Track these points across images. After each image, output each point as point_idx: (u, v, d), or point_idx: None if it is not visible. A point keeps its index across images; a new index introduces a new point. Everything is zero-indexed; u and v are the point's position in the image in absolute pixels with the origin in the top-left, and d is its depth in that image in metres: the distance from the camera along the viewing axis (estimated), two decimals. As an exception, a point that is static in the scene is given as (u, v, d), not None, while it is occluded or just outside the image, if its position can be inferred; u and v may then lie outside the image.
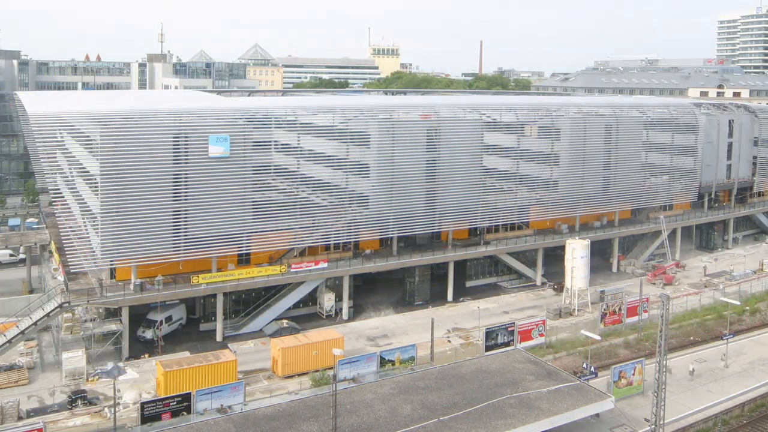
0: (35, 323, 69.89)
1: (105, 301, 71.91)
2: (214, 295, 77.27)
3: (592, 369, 67.70)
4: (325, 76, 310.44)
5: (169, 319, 76.83)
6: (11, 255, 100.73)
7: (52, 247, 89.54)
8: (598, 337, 74.60)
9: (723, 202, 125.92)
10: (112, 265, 72.88)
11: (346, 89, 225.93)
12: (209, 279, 76.50)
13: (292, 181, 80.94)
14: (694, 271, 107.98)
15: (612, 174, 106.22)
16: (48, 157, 70.79)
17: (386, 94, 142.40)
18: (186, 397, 57.81)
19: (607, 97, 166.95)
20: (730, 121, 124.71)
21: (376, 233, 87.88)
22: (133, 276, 74.43)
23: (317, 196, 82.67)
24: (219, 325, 77.60)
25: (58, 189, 71.19)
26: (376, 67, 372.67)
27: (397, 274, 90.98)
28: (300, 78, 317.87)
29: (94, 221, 71.06)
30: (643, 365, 67.09)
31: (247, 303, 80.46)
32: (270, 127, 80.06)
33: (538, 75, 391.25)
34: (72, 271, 71.30)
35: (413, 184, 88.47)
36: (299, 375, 67.30)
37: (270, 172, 79.65)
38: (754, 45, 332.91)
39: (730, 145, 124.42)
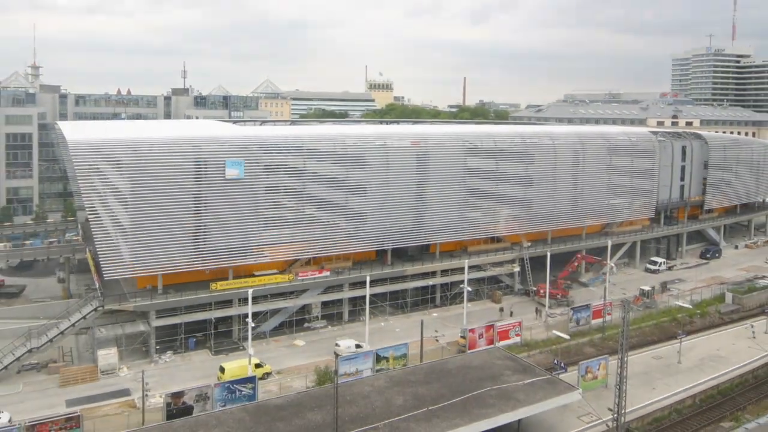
0: (73, 324, 70.21)
1: (135, 305, 72.24)
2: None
3: (562, 365, 68.20)
4: (328, 108, 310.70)
5: None
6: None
7: (88, 257, 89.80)
8: (567, 337, 75.05)
9: (678, 217, 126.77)
10: (141, 273, 73.10)
11: (346, 119, 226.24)
12: (225, 286, 76.81)
13: (299, 200, 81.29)
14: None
15: (580, 193, 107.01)
16: (85, 179, 71.15)
17: (381, 123, 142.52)
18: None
19: (575, 126, 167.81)
20: (683, 147, 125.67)
21: (372, 245, 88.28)
22: (159, 283, 74.73)
23: (321, 213, 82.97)
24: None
25: (94, 207, 71.28)
26: (373, 100, 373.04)
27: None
28: (306, 109, 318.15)
29: (125, 235, 71.31)
30: (607, 361, 67.41)
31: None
32: (279, 153, 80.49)
33: (515, 107, 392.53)
34: (105, 278, 71.55)
35: (405, 202, 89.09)
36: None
37: (279, 192, 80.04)
38: (703, 80, 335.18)
39: (683, 168, 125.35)
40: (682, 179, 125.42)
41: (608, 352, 73.24)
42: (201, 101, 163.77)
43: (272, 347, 77.17)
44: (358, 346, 73.47)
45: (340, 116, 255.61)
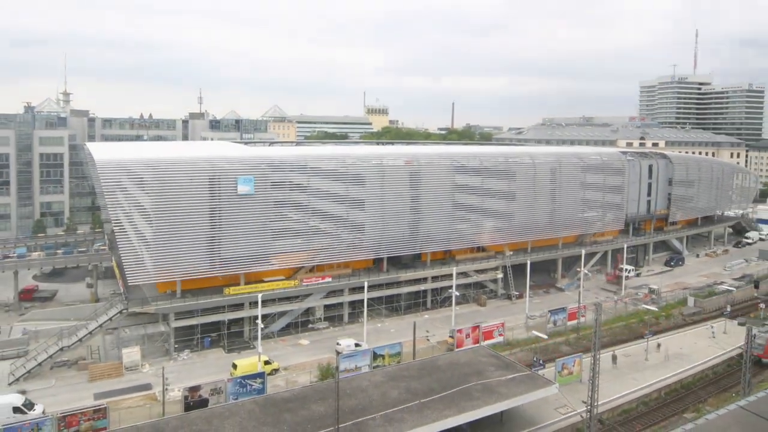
0: (100, 325, 70.44)
1: (156, 308, 72.52)
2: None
3: (541, 361, 68.46)
4: (329, 130, 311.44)
5: None
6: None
7: (114, 265, 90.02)
8: (545, 337, 75.29)
9: (645, 229, 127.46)
10: (161, 279, 73.43)
11: (346, 141, 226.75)
12: (237, 290, 77.19)
13: (304, 214, 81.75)
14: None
15: (556, 207, 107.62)
16: (111, 195, 71.62)
17: (377, 144, 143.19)
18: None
19: (553, 147, 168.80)
20: (650, 165, 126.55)
21: (370, 254, 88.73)
22: (178, 288, 75.01)
23: (323, 225, 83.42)
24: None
25: (119, 219, 71.70)
26: (370, 123, 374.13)
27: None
28: (309, 132, 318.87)
29: (147, 245, 71.69)
30: (581, 358, 67.83)
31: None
32: (286, 171, 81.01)
33: (498, 129, 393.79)
34: (129, 284, 71.86)
35: (399, 215, 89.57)
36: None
37: (286, 207, 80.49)
38: (668, 105, 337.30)
39: (650, 185, 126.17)
40: (649, 194, 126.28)
41: (582, 350, 73.74)
42: (215, 124, 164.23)
43: (279, 346, 77.40)
44: (357, 344, 73.77)
45: (341, 138, 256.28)
